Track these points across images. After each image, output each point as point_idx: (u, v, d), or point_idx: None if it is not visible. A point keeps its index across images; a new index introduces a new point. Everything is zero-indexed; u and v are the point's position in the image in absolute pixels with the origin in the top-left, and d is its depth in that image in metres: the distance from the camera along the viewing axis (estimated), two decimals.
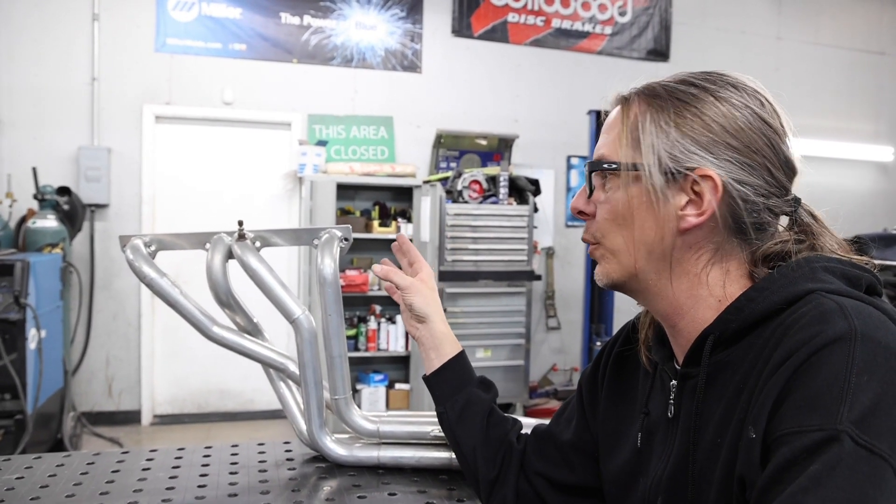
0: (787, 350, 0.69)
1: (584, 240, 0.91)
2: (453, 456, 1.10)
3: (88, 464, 1.13)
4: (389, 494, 1.01)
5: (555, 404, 5.82)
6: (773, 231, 0.82)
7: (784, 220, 0.84)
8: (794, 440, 0.64)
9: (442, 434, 1.11)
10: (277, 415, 5.55)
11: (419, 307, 1.13)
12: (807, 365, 0.66)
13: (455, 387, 1.10)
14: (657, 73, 6.16)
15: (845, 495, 0.59)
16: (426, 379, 1.13)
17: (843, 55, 7.16)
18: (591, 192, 0.88)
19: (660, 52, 6.49)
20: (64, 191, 4.73)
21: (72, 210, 4.74)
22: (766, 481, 0.65)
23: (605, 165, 0.85)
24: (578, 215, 0.91)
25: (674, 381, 0.86)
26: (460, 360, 1.12)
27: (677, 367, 0.87)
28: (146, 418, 5.33)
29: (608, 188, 0.86)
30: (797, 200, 0.84)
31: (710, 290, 0.82)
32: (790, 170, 0.83)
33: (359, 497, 1.00)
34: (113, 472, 1.10)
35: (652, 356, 0.92)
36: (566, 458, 1.03)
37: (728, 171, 0.79)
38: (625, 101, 0.87)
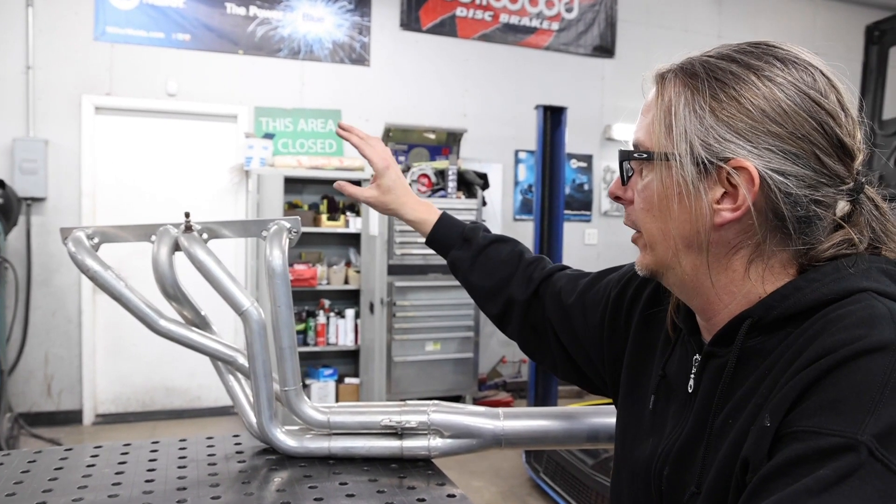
0: (825, 347, 0.65)
1: (625, 223, 0.86)
2: (404, 444, 1.12)
3: (29, 462, 1.11)
4: (341, 484, 1.02)
5: (504, 396, 5.88)
6: (825, 224, 0.74)
7: (842, 207, 0.76)
8: (809, 439, 0.61)
9: (392, 423, 1.12)
10: (225, 411, 5.47)
11: (386, 170, 1.24)
12: (843, 367, 0.63)
13: (444, 251, 1.26)
14: (603, 69, 6.28)
15: None
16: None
17: None
18: (625, 179, 0.84)
19: (605, 49, 6.60)
20: None
21: (6, 204, 4.57)
22: (772, 471, 0.62)
23: (636, 154, 0.80)
24: (616, 200, 0.86)
25: (697, 356, 0.83)
26: (439, 227, 1.26)
27: (703, 341, 0.83)
28: (88, 418, 5.19)
29: (644, 175, 0.80)
30: (857, 189, 0.75)
31: (751, 286, 0.76)
32: (846, 154, 0.74)
33: (310, 487, 1.00)
34: (56, 469, 1.07)
35: (678, 322, 0.89)
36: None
37: (767, 161, 0.72)
38: (661, 80, 0.80)
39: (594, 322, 1.06)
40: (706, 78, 0.75)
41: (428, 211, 1.27)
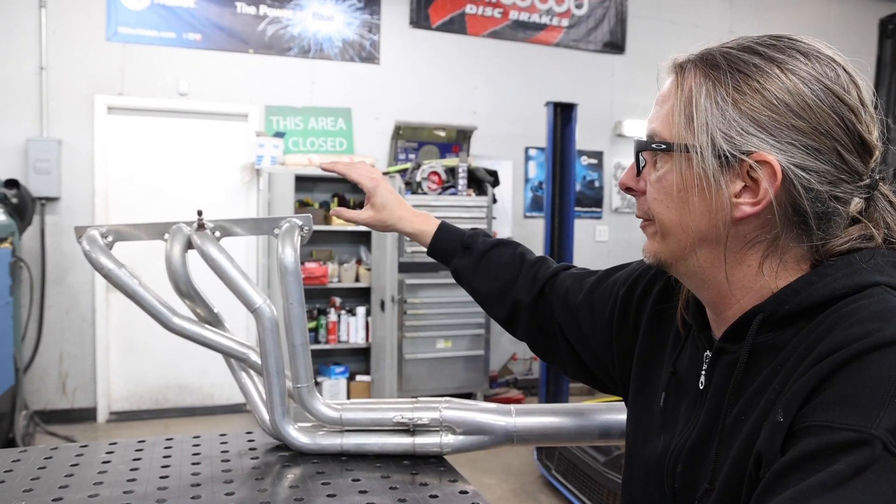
0: (838, 342, 0.65)
1: (637, 215, 0.85)
2: (416, 441, 1.12)
3: (46, 458, 1.12)
4: (353, 480, 1.02)
5: (515, 393, 5.88)
6: (840, 220, 0.74)
7: (856, 203, 0.75)
8: (823, 433, 0.60)
9: (404, 420, 1.12)
10: (237, 409, 5.50)
11: (375, 189, 1.25)
12: (856, 362, 0.62)
13: (446, 261, 1.26)
14: (613, 65, 6.24)
15: (865, 500, 0.56)
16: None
17: None
18: (639, 170, 0.82)
19: (616, 45, 6.57)
20: (12, 184, 4.59)
21: (21, 203, 4.60)
22: (785, 466, 0.62)
23: (654, 145, 0.78)
24: (627, 192, 0.85)
25: (708, 353, 0.82)
26: (439, 238, 1.25)
27: (714, 337, 0.83)
28: (102, 415, 5.23)
29: (659, 166, 0.79)
30: (873, 186, 0.75)
31: (764, 281, 0.76)
32: (865, 151, 0.74)
33: (322, 484, 1.01)
34: (72, 465, 1.08)
35: (688, 318, 0.88)
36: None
37: (790, 155, 0.71)
38: (680, 70, 0.78)
39: (602, 320, 1.06)
40: (728, 69, 0.74)
41: (426, 222, 1.26)
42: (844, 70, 0.74)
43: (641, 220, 0.85)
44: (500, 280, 1.20)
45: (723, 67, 0.74)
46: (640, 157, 0.82)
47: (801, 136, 0.71)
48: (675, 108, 0.77)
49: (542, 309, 1.17)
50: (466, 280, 1.24)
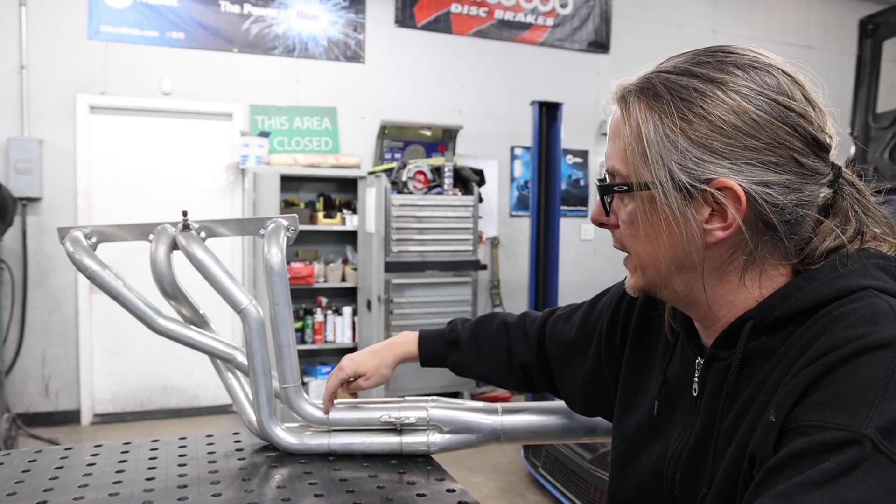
0: (829, 344, 0.66)
1: (614, 247, 0.85)
2: (403, 440, 1.12)
3: (30, 461, 1.11)
4: (341, 480, 1.03)
5: (501, 392, 5.89)
6: (810, 220, 0.75)
7: (825, 195, 0.76)
8: (814, 433, 0.62)
9: (391, 419, 1.12)
10: (223, 410, 5.47)
11: (351, 370, 1.22)
12: (847, 363, 0.64)
13: (441, 364, 1.26)
14: (598, 64, 6.22)
15: (855, 497, 0.57)
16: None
17: (773, 48, 7.01)
18: (607, 210, 0.83)
19: (600, 44, 6.60)
20: None
21: (1, 204, 4.55)
22: (777, 464, 0.63)
23: (616, 187, 0.79)
24: (600, 226, 0.85)
25: (700, 360, 0.83)
26: (424, 349, 1.25)
27: (704, 344, 0.84)
28: (86, 417, 5.18)
29: (626, 202, 0.79)
30: (836, 177, 0.76)
31: (747, 293, 0.77)
32: (822, 149, 0.74)
33: (310, 483, 1.01)
34: (56, 468, 1.08)
35: (676, 326, 0.89)
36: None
37: (750, 175, 0.71)
38: (623, 103, 0.78)
39: (591, 352, 1.08)
40: (671, 99, 0.74)
41: (405, 342, 1.27)
42: (784, 73, 0.74)
43: (624, 256, 0.85)
44: (498, 355, 1.22)
45: (665, 97, 0.74)
46: (606, 197, 0.82)
47: (756, 153, 0.71)
48: (627, 145, 0.77)
49: (547, 359, 1.19)
50: (469, 371, 1.25)
